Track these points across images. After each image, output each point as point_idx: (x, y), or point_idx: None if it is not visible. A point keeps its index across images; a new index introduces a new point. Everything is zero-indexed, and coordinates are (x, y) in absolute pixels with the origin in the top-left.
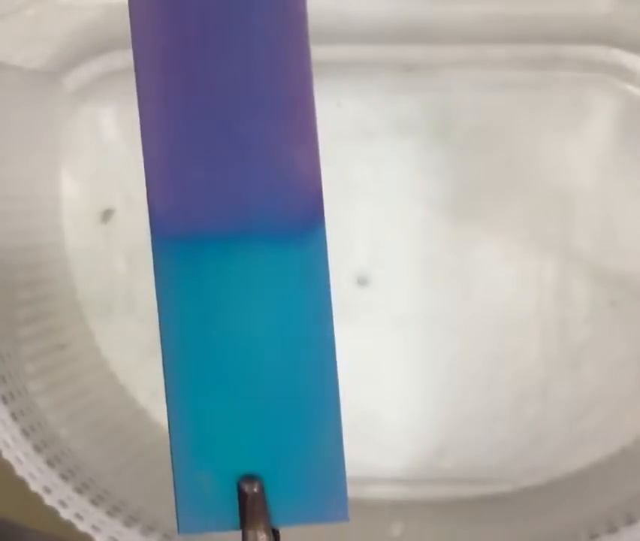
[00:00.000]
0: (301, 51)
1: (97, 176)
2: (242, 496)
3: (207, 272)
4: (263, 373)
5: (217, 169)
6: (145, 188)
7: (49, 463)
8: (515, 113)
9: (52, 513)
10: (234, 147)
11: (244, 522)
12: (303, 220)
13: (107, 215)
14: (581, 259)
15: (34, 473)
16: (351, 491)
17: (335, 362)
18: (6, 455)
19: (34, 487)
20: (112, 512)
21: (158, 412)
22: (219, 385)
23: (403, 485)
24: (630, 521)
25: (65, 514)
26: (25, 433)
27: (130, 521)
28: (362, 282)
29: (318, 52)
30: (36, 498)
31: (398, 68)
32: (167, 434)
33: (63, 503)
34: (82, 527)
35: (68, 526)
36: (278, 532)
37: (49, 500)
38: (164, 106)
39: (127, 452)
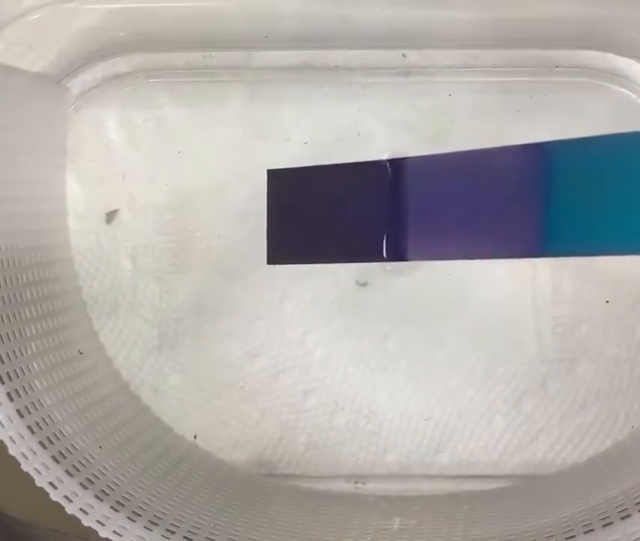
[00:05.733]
0: None
1: (101, 178)
2: None
3: None
4: None
5: None
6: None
7: (55, 459)
8: (512, 118)
9: (58, 508)
10: None
11: None
12: None
13: (111, 216)
14: (576, 259)
15: (40, 469)
16: (350, 487)
17: None
18: (12, 452)
19: (40, 482)
20: (116, 507)
21: (161, 408)
22: None
23: (401, 481)
24: (625, 515)
25: (70, 509)
26: (30, 429)
27: (133, 516)
28: (361, 282)
29: (318, 55)
30: (42, 493)
31: (396, 72)
32: (170, 430)
33: (68, 499)
34: (86, 521)
35: (73, 521)
36: None
37: (54, 496)
38: None
39: (130, 448)
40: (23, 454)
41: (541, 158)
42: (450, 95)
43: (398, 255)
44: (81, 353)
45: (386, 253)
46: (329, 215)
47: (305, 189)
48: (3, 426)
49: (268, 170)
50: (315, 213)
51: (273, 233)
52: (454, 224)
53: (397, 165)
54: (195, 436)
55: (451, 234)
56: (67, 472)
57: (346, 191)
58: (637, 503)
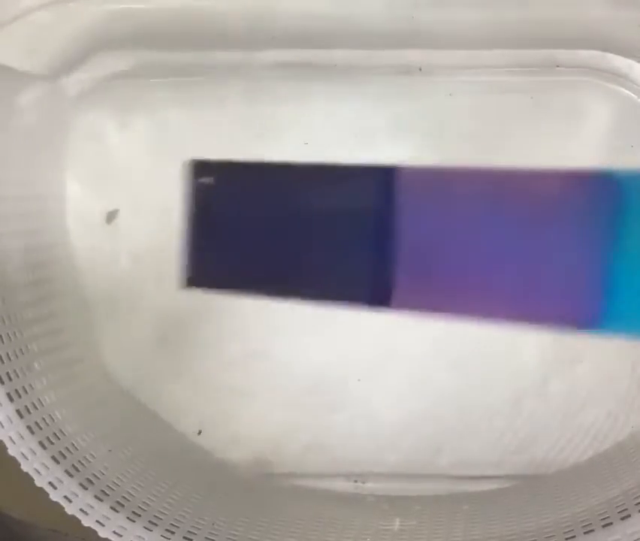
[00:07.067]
0: None
1: (101, 178)
2: None
3: None
4: None
5: None
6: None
7: (55, 459)
8: (512, 117)
9: (58, 508)
10: None
11: None
12: None
13: (111, 216)
14: None
15: (40, 469)
16: (349, 487)
17: None
18: (12, 452)
19: (40, 482)
20: (116, 507)
21: (161, 408)
22: None
23: (402, 481)
24: (625, 515)
25: (70, 509)
26: (30, 429)
27: (133, 516)
28: None
29: (319, 55)
30: (42, 493)
31: (397, 71)
32: (170, 430)
33: (68, 499)
34: (86, 521)
35: (73, 521)
36: None
37: (54, 496)
38: None
39: (130, 449)
40: (23, 454)
41: (610, 196)
42: (450, 95)
43: (376, 300)
44: (81, 354)
45: (358, 296)
46: (275, 231)
47: (243, 191)
48: (3, 426)
49: (192, 161)
50: (256, 226)
51: (193, 248)
52: (462, 269)
53: (385, 173)
54: (200, 432)
55: (457, 284)
56: (67, 472)
57: (304, 200)
58: (637, 503)
